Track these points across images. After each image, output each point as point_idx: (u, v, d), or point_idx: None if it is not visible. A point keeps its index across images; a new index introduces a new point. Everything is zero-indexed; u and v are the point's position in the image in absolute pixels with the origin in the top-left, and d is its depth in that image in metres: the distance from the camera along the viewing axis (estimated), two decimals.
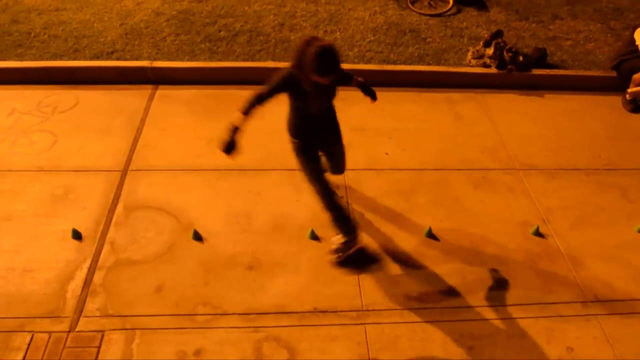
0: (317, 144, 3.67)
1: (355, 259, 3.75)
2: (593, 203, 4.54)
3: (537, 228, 4.19)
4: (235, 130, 3.25)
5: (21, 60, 5.57)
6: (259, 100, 3.25)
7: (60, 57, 5.66)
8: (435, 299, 3.67)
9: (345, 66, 5.71)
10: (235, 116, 3.24)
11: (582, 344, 3.45)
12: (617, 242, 4.20)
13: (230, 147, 3.28)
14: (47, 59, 5.61)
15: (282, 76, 3.23)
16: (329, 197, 3.59)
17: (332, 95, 3.46)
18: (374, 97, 3.73)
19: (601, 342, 3.48)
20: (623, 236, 4.26)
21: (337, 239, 3.74)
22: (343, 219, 3.64)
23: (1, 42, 5.84)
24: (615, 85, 5.94)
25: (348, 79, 3.68)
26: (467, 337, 3.44)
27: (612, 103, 5.85)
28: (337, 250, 3.75)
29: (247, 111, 3.25)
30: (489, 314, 3.60)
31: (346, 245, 3.70)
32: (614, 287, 3.86)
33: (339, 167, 4.05)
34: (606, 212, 4.47)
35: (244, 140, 4.82)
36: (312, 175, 3.60)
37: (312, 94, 3.26)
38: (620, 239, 4.23)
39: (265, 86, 3.25)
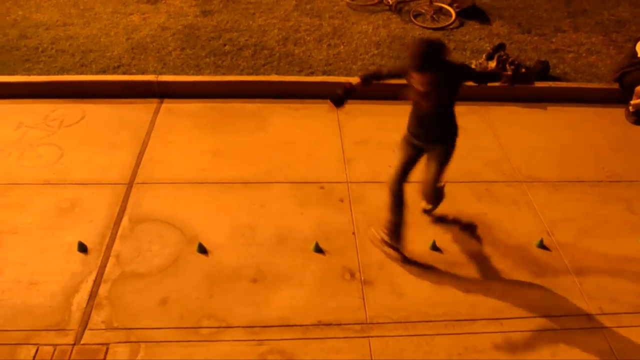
0: (419, 143, 3.75)
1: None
2: (597, 215, 4.54)
3: (541, 240, 4.19)
4: (350, 88, 3.60)
5: (29, 74, 5.65)
6: (377, 75, 3.63)
7: (67, 72, 5.74)
8: (440, 312, 3.66)
9: (347, 79, 5.83)
10: (354, 79, 3.63)
11: (587, 358, 3.43)
12: (622, 254, 4.20)
13: (339, 101, 3.62)
14: (54, 74, 5.69)
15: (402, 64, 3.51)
16: (395, 201, 3.78)
17: (436, 94, 3.39)
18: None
19: (607, 355, 3.46)
20: (628, 248, 4.25)
21: (384, 235, 3.96)
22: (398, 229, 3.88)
23: (10, 57, 5.93)
24: (617, 97, 5.95)
25: (481, 79, 3.75)
26: (471, 350, 3.43)
27: (615, 115, 5.86)
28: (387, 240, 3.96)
29: (366, 79, 3.64)
30: (493, 327, 3.59)
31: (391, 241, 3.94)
32: (619, 299, 3.84)
33: (428, 180, 3.82)
34: (610, 224, 4.46)
35: (248, 154, 4.89)
36: (395, 171, 3.75)
37: (415, 89, 3.40)
38: (625, 251, 4.22)
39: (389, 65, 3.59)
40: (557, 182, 4.85)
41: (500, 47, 6.19)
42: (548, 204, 4.59)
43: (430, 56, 3.11)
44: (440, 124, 3.64)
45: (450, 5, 7.33)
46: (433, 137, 3.68)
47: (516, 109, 5.85)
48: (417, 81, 3.29)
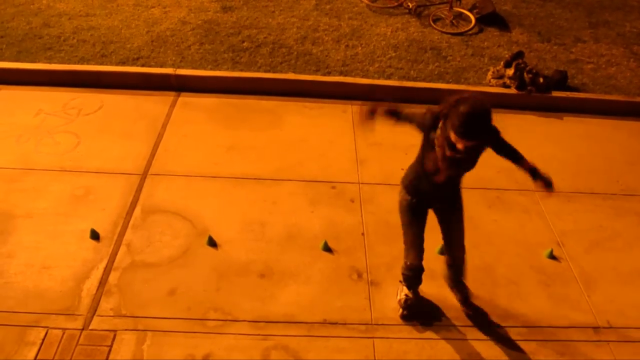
0: (429, 207, 3.33)
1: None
2: (609, 228, 4.50)
3: (551, 251, 4.17)
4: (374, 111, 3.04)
5: (50, 62, 5.74)
6: (397, 115, 3.05)
7: (88, 61, 5.82)
8: (445, 317, 3.66)
9: (364, 81, 5.86)
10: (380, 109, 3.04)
11: None
12: (632, 268, 4.16)
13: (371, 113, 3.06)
14: (74, 63, 5.77)
15: (427, 114, 2.91)
16: (412, 272, 3.40)
17: (464, 165, 3.10)
18: (548, 186, 3.23)
19: None
20: (638, 262, 4.21)
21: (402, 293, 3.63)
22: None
23: (32, 44, 6.03)
24: (635, 110, 5.89)
25: (509, 155, 3.30)
26: (475, 357, 3.43)
27: (633, 128, 5.80)
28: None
29: (388, 113, 3.04)
30: (498, 334, 3.59)
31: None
32: (627, 313, 3.81)
33: (453, 243, 3.50)
34: (622, 237, 4.43)
35: (262, 151, 4.93)
36: (411, 240, 3.34)
37: (442, 154, 2.91)
38: (636, 265, 4.18)
39: (412, 112, 3.01)
40: (570, 193, 4.81)
41: (519, 55, 6.16)
42: (560, 215, 4.57)
43: (487, 122, 2.74)
44: (453, 188, 3.33)
45: (470, 10, 7.31)
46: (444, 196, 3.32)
47: (532, 118, 5.82)
48: (452, 144, 2.78)
